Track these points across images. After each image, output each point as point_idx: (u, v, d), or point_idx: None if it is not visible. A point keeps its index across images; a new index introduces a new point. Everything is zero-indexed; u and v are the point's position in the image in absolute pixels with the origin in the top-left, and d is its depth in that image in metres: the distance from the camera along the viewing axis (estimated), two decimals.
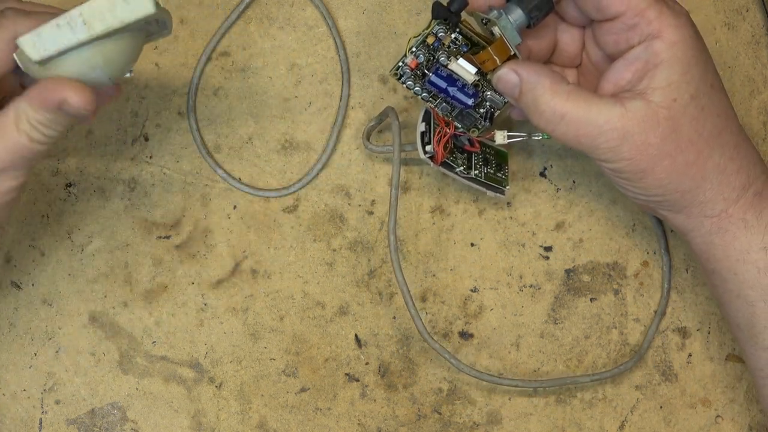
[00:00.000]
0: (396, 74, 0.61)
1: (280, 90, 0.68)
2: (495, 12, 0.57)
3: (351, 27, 0.69)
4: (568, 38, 0.61)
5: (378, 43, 0.69)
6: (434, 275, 0.67)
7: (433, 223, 0.68)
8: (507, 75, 0.58)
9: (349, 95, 0.68)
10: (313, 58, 0.68)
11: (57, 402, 0.65)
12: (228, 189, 0.67)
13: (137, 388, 0.66)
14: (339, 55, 0.68)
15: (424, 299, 0.67)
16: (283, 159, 0.68)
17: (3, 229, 0.61)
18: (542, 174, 0.69)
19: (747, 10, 0.70)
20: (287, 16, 0.68)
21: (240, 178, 0.67)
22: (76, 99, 0.52)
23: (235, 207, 0.67)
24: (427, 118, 0.63)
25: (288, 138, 0.68)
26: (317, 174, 0.68)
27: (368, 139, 0.67)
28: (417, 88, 0.61)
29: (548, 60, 0.62)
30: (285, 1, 0.68)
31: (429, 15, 0.68)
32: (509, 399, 0.67)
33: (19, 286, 0.66)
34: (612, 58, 0.58)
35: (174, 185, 0.67)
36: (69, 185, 0.67)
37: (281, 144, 0.68)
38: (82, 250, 0.66)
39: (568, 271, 0.68)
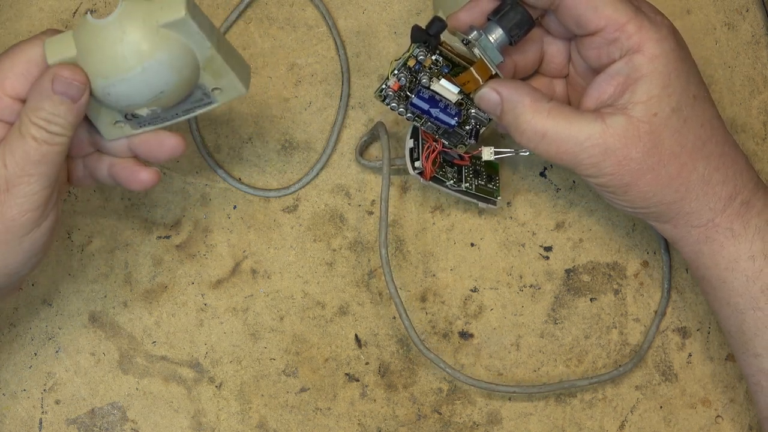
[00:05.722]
0: (380, 96, 0.60)
1: (280, 90, 0.68)
2: (475, 33, 0.57)
3: (351, 27, 0.69)
4: (555, 50, 0.61)
5: (378, 43, 0.69)
6: (434, 275, 0.67)
7: (433, 223, 0.68)
8: (488, 94, 0.58)
9: (349, 95, 0.68)
10: (313, 58, 0.68)
11: (57, 402, 0.65)
12: (228, 189, 0.67)
13: (137, 388, 0.66)
14: (339, 55, 0.68)
15: (424, 299, 0.67)
16: (283, 159, 0.68)
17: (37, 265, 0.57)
18: (542, 174, 0.69)
19: (747, 10, 0.70)
20: (287, 16, 0.68)
21: (240, 178, 0.67)
22: (66, 73, 0.52)
23: (235, 207, 0.67)
24: (415, 134, 0.63)
25: (288, 138, 0.68)
26: (317, 174, 0.68)
27: (361, 155, 0.67)
28: (401, 110, 0.61)
29: (536, 71, 0.62)
30: (285, 1, 0.68)
31: (429, 14, 0.68)
32: (509, 399, 0.67)
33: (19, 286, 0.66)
34: (596, 72, 0.58)
35: (174, 185, 0.67)
36: None
37: (281, 144, 0.68)
38: (82, 250, 0.66)
39: (568, 271, 0.68)
